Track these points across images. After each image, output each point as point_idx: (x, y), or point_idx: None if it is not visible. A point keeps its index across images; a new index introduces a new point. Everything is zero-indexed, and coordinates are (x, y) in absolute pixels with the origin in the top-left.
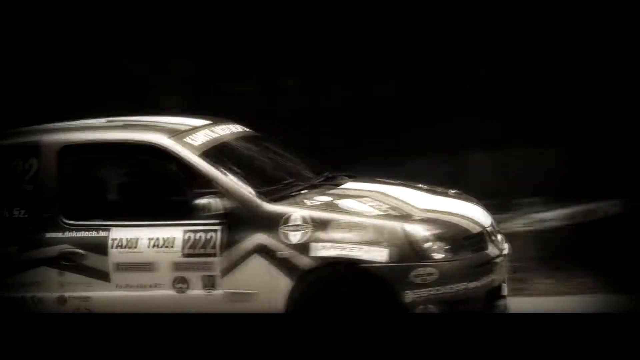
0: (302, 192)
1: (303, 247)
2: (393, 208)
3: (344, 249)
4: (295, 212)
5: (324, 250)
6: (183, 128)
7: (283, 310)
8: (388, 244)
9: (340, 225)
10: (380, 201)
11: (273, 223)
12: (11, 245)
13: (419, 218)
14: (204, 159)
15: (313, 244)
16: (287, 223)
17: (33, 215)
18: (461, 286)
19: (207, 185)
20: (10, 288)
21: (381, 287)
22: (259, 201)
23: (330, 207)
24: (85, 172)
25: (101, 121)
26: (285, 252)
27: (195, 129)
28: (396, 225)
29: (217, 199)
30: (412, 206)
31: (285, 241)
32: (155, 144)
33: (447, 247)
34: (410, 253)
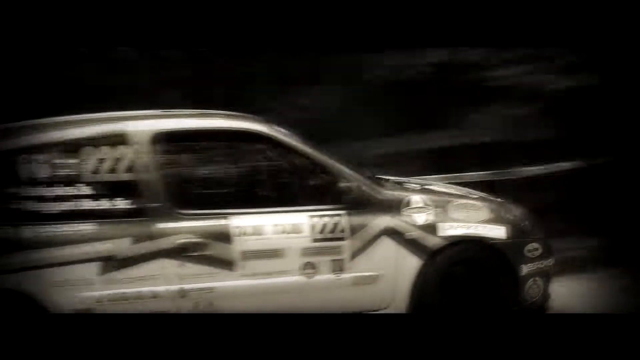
0: (389, 179)
1: (430, 228)
2: (470, 192)
3: (469, 227)
4: (414, 196)
5: (451, 229)
6: (258, 118)
7: (408, 289)
8: (503, 222)
9: (458, 206)
10: (452, 187)
11: (395, 206)
12: (123, 237)
13: (501, 200)
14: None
15: (440, 224)
16: (409, 206)
17: (140, 205)
18: (552, 261)
19: (320, 171)
20: (125, 283)
21: (504, 262)
22: (377, 186)
23: (432, 191)
24: (180, 160)
25: (157, 112)
26: (413, 233)
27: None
28: (501, 205)
29: (356, 184)
30: (473, 192)
31: (412, 223)
32: (261, 132)
33: (531, 225)
34: (519, 230)
